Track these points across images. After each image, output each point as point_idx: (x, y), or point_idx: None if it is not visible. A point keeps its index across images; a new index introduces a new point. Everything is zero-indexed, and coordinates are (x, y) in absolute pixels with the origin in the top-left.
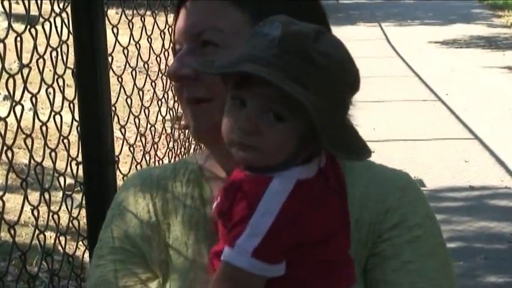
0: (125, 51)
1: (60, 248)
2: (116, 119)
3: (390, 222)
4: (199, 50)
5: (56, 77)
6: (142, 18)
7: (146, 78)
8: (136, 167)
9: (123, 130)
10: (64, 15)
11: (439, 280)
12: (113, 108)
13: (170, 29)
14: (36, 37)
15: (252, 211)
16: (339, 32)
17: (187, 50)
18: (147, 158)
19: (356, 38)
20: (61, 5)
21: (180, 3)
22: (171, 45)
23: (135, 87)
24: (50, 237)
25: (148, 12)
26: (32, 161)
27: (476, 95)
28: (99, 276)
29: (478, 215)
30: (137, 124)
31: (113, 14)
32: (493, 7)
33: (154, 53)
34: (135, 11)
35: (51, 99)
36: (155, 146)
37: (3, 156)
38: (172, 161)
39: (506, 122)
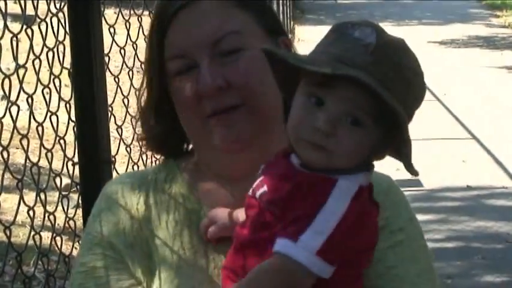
0: (122, 51)
1: (56, 248)
2: (112, 119)
3: None
4: (220, 59)
5: (52, 77)
6: (140, 18)
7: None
8: (133, 167)
9: (120, 130)
10: (60, 15)
11: (422, 285)
12: (110, 109)
13: None
14: (33, 37)
15: (317, 209)
16: None
17: (209, 62)
18: (144, 158)
19: None
20: (57, 5)
21: (170, 16)
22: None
23: (132, 87)
24: (48, 237)
25: (146, 12)
26: (28, 161)
27: (474, 94)
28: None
29: (476, 215)
30: (134, 124)
31: (110, 13)
32: (491, 7)
33: None
34: (132, 11)
35: (48, 100)
36: None
37: None
38: None
39: (505, 122)
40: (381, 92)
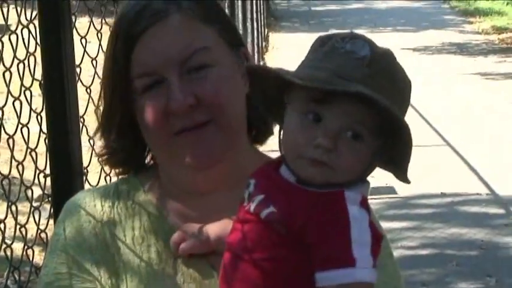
0: (94, 62)
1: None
2: (84, 130)
3: None
4: (189, 76)
5: (23, 89)
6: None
7: None
8: (105, 178)
9: (92, 141)
10: (31, 26)
11: None
12: (82, 120)
13: None
14: (3, 49)
15: (346, 224)
16: (312, 38)
17: (178, 79)
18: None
19: None
20: (28, 16)
21: (138, 34)
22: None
23: None
24: (20, 249)
25: None
26: None
27: (448, 101)
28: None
29: (450, 222)
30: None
31: (85, 21)
32: (465, 13)
33: None
34: (104, 21)
35: (18, 112)
36: None
37: None
38: None
39: (479, 128)
40: (386, 104)
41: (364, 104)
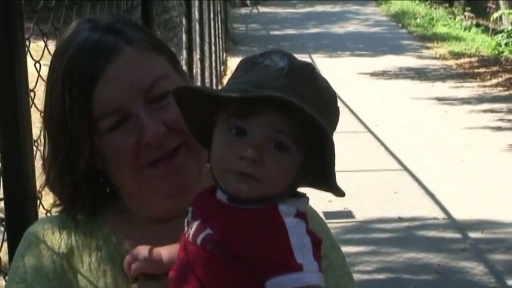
0: None
1: None
2: (39, 154)
3: None
4: (153, 105)
5: None
6: None
7: None
8: None
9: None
10: None
11: None
12: (35, 144)
13: None
14: None
15: (285, 234)
16: None
17: (144, 111)
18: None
19: None
20: None
21: (97, 72)
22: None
23: None
24: None
25: None
26: None
27: (405, 126)
28: None
29: (407, 246)
30: None
31: (43, 45)
32: (422, 38)
33: None
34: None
35: None
36: None
37: None
38: None
39: (435, 153)
40: (301, 105)
41: (285, 113)
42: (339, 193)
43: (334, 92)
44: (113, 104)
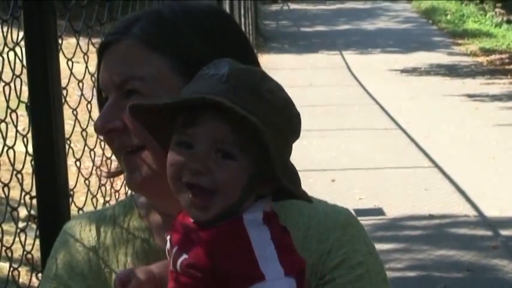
0: (80, 85)
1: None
2: (71, 152)
3: (332, 262)
4: (124, 101)
5: (9, 111)
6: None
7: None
8: (92, 199)
9: (78, 163)
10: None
11: None
12: (68, 142)
13: None
14: None
15: (249, 247)
16: (301, 59)
17: (112, 101)
18: (103, 190)
19: (317, 66)
20: (14, 38)
21: (101, 51)
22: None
23: (90, 119)
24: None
25: None
26: None
27: (436, 123)
28: None
29: (438, 244)
30: (93, 157)
31: (73, 42)
32: (453, 35)
33: None
34: (90, 43)
35: (4, 133)
36: (111, 179)
37: None
38: (129, 193)
39: (466, 150)
40: (233, 105)
41: (228, 121)
42: (305, 199)
43: (285, 95)
44: (101, 84)
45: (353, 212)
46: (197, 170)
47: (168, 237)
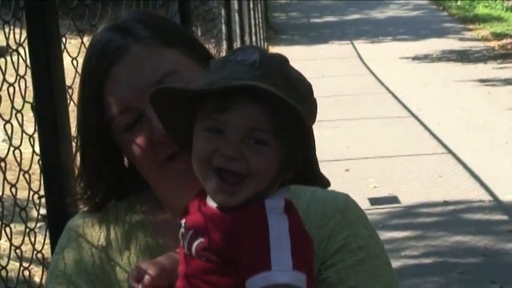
0: None
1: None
2: None
3: (333, 247)
4: None
5: (14, 111)
6: None
7: None
8: None
9: None
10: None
11: None
12: (74, 140)
13: None
14: None
15: (266, 234)
16: (311, 50)
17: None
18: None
19: (328, 56)
20: (17, 39)
21: (105, 72)
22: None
23: None
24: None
25: None
26: None
27: (449, 109)
28: None
29: (453, 230)
30: None
31: (77, 43)
32: (464, 20)
33: None
34: None
35: (10, 134)
36: None
37: None
38: None
39: (479, 135)
40: (279, 92)
41: (262, 106)
42: (325, 183)
43: (308, 83)
44: (123, 102)
45: (368, 201)
46: (231, 156)
47: (183, 221)
